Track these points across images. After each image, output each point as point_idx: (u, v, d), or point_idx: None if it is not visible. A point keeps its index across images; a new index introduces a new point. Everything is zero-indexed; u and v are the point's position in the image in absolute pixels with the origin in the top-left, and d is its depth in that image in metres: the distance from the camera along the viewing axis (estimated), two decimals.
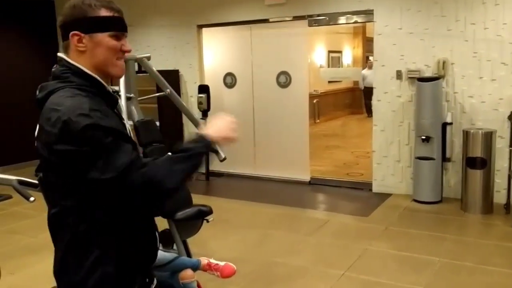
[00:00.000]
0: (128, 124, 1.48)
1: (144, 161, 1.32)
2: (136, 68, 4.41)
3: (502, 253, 3.95)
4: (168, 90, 4.00)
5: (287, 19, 6.29)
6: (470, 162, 4.92)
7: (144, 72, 4.20)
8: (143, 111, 3.98)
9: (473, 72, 5.21)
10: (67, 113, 1.25)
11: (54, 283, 1.52)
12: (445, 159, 5.28)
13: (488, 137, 4.88)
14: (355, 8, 5.81)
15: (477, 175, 4.89)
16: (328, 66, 11.77)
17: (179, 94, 6.98)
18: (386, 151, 5.77)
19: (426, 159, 5.24)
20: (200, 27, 6.94)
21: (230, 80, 6.92)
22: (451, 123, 5.21)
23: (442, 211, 5.06)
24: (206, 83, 6.85)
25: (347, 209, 5.33)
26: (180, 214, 3.10)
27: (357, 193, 5.91)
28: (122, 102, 3.68)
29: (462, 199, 5.06)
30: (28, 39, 7.78)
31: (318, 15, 6.11)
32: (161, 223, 3.23)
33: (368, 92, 10.78)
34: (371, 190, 5.87)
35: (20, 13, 7.61)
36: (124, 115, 1.47)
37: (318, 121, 6.95)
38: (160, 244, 2.96)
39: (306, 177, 6.39)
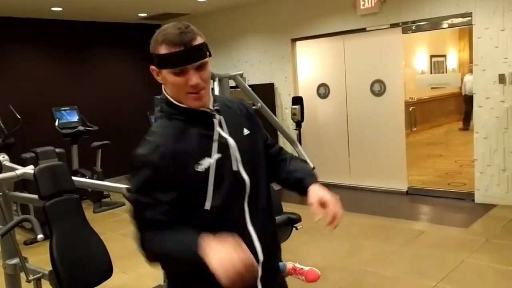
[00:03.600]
0: (226, 136, 1.47)
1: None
2: (232, 83, 4.72)
3: None
4: (259, 104, 4.26)
5: (382, 27, 6.24)
6: None
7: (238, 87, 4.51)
8: None
9: None
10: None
11: (159, 282, 1.72)
12: None
13: None
14: (451, 12, 5.60)
15: None
16: (431, 72, 11.31)
17: (274, 106, 7.26)
18: (490, 160, 5.45)
19: None
20: (294, 40, 7.16)
21: (323, 91, 7.02)
22: None
23: None
24: (300, 94, 7.02)
25: (445, 220, 5.13)
26: None
27: (458, 204, 5.65)
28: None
29: None
30: (137, 61, 8.55)
31: (413, 22, 5.99)
32: None
33: (467, 100, 10.14)
34: (473, 200, 5.57)
35: (133, 37, 8.41)
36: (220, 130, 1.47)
37: (415, 129, 6.73)
38: None
39: (403, 187, 6.24)
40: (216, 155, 1.42)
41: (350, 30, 6.48)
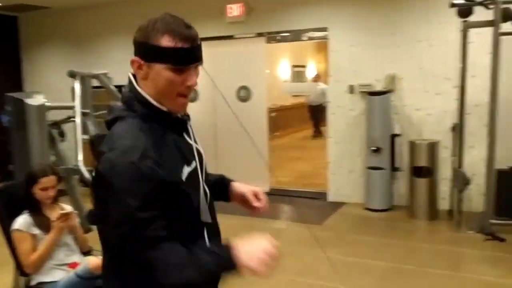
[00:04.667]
0: (195, 145, 1.39)
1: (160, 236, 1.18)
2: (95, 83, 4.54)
3: (444, 256, 4.21)
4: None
5: (248, 35, 6.52)
6: (417, 171, 5.21)
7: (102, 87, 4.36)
8: (101, 125, 4.11)
9: (419, 86, 5.53)
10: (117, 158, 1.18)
11: None
12: (394, 168, 5.57)
13: (433, 147, 5.18)
14: (311, 26, 6.09)
15: (423, 183, 5.18)
16: (292, 81, 12.09)
17: None
18: (341, 162, 6.02)
19: (377, 169, 5.51)
20: None
21: (192, 95, 7.06)
22: (399, 135, 5.51)
23: (391, 218, 5.32)
24: None
25: (301, 217, 5.53)
26: None
27: (314, 203, 6.13)
28: (77, 117, 3.81)
29: (410, 207, 5.33)
30: None
31: (277, 32, 6.37)
32: None
33: (312, 110, 11.06)
34: (326, 199, 6.10)
35: None
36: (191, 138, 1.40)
37: (277, 134, 7.15)
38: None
39: (265, 188, 6.58)
40: (193, 164, 1.33)
41: (219, 37, 6.64)
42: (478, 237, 4.56)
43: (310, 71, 13.16)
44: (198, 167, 1.37)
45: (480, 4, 4.44)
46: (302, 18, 6.09)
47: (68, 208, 2.87)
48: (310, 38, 6.45)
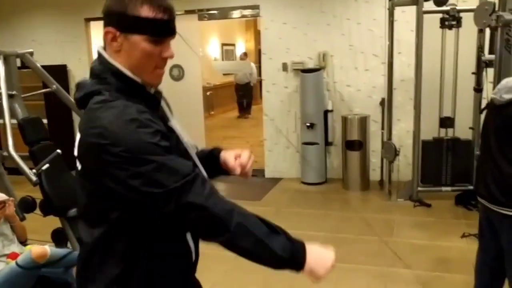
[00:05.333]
0: (175, 125, 1.34)
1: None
2: (19, 64, 4.24)
3: (377, 224, 4.46)
4: (54, 86, 3.93)
5: (178, 13, 6.34)
6: (349, 145, 5.45)
7: (28, 67, 4.08)
8: (29, 108, 3.87)
9: (349, 63, 5.74)
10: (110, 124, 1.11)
11: None
12: (328, 143, 5.77)
13: (363, 121, 5.43)
14: (242, 3, 6.07)
15: (355, 156, 5.44)
16: (222, 59, 12.03)
17: (67, 90, 6.72)
18: (277, 139, 6.14)
19: (312, 144, 5.69)
20: (88, 20, 6.77)
21: None
22: (332, 111, 5.71)
23: (326, 190, 5.55)
24: None
25: (241, 194, 5.59)
26: (73, 211, 3.12)
27: (252, 180, 6.22)
28: (4, 100, 3.55)
29: (344, 179, 5.59)
30: None
31: (208, 9, 6.29)
32: (55, 222, 3.22)
33: (239, 88, 11.13)
34: (264, 176, 6.22)
35: None
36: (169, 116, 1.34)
37: (212, 113, 7.12)
38: (50, 244, 2.95)
39: None
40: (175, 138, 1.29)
41: None
42: (408, 204, 4.88)
43: (239, 49, 13.16)
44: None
45: None
46: None
47: (2, 196, 2.71)
48: (243, 16, 6.44)
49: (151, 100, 1.26)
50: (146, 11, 1.16)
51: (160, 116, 1.27)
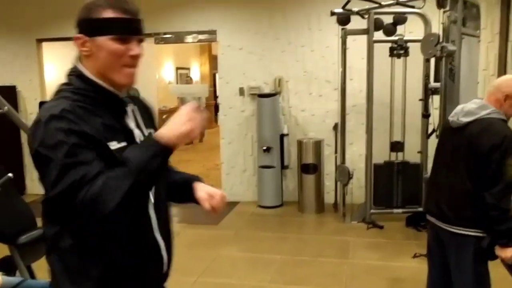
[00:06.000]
0: (138, 131, 1.36)
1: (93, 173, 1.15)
2: None
3: (332, 245, 4.55)
4: (6, 107, 3.80)
5: None
6: (304, 168, 5.56)
7: None
8: None
9: (304, 88, 5.90)
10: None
11: None
12: (284, 166, 5.86)
13: (318, 145, 5.57)
14: (200, 28, 6.15)
15: (310, 179, 5.54)
16: (177, 83, 12.03)
17: (16, 111, 6.52)
18: (234, 162, 6.17)
19: (268, 168, 5.76)
20: (40, 41, 6.62)
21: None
22: (287, 134, 5.82)
23: (283, 213, 5.61)
24: (48, 99, 6.51)
25: (198, 219, 5.55)
26: (23, 238, 3.00)
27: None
28: None
29: (299, 201, 5.67)
30: None
31: (165, 33, 6.31)
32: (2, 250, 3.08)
33: None
34: None
35: None
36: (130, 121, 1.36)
37: None
38: (1, 272, 2.83)
39: None
40: (123, 143, 1.27)
41: None
42: (361, 226, 5.02)
43: (193, 73, 13.21)
44: None
45: (357, 13, 4.88)
46: (190, 20, 6.12)
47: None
48: (199, 41, 6.50)
49: (114, 103, 1.31)
50: (109, 13, 1.24)
51: (118, 123, 1.30)
